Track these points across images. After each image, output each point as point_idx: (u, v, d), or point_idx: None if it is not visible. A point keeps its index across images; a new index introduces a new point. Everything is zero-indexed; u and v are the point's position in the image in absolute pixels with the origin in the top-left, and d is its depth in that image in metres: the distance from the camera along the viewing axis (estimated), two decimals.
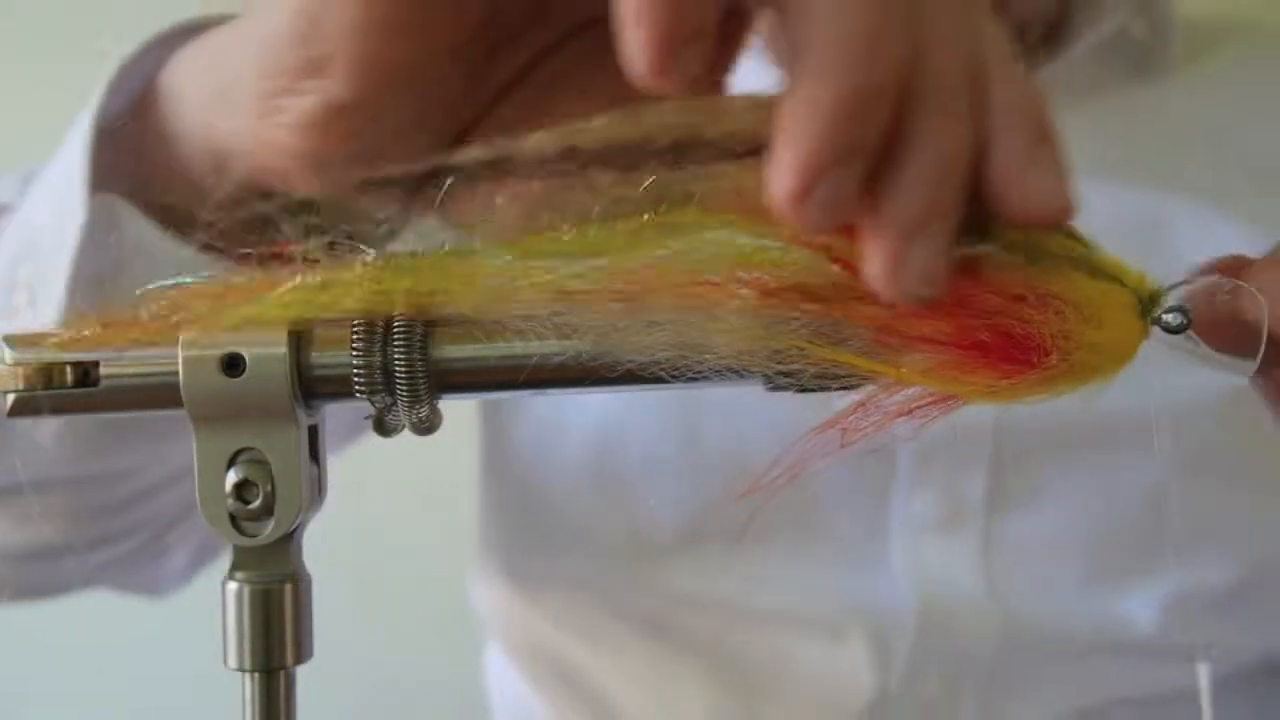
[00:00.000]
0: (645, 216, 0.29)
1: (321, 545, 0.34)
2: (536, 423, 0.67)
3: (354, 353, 0.30)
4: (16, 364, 0.31)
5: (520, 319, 0.30)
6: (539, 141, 0.30)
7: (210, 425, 0.31)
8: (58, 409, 0.31)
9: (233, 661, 0.32)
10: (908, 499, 0.62)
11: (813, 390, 0.30)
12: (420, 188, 0.32)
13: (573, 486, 0.66)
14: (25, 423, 0.49)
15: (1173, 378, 0.31)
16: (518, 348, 0.30)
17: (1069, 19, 0.65)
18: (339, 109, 0.33)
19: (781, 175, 0.27)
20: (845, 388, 0.30)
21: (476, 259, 0.30)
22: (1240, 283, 0.32)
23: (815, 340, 0.29)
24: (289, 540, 0.32)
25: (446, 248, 0.30)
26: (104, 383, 0.31)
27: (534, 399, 0.66)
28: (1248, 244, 0.34)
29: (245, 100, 0.36)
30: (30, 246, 0.47)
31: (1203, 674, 0.30)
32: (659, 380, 0.29)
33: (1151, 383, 0.30)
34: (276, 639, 0.32)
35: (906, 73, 0.27)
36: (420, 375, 0.30)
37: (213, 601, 0.32)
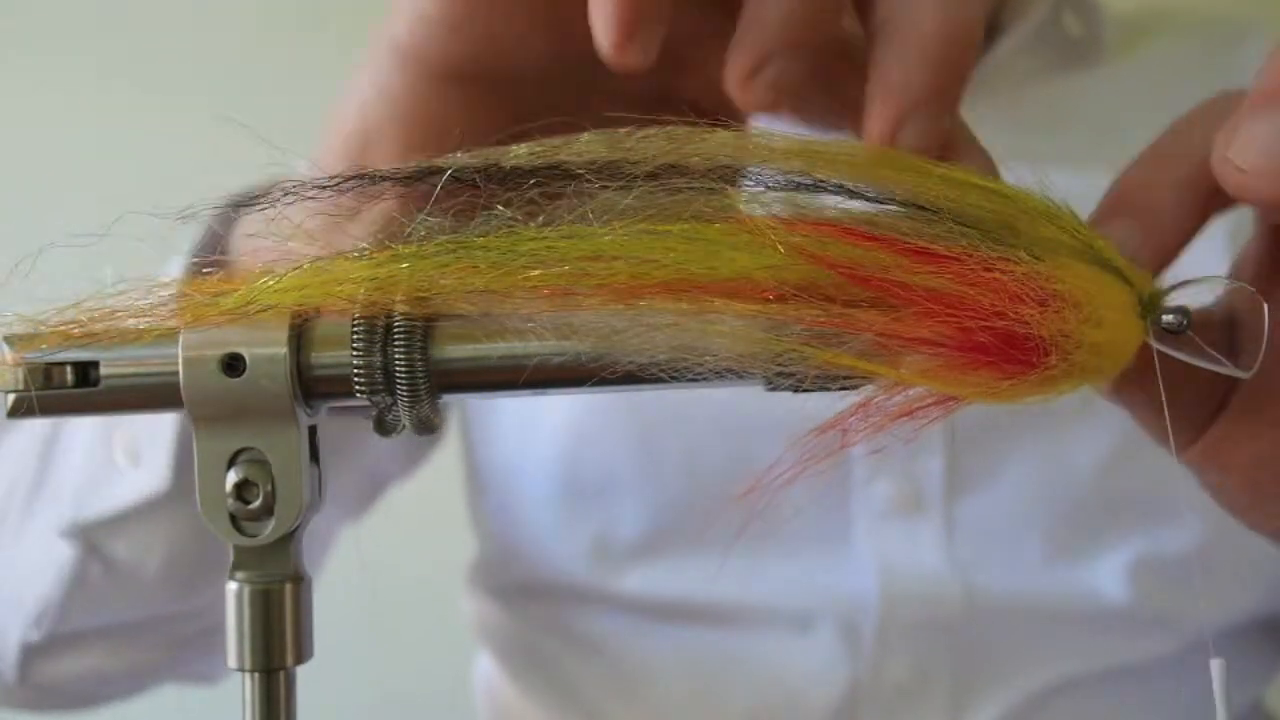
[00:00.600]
0: (643, 221, 0.29)
1: None
2: (506, 438, 0.69)
3: (354, 353, 0.30)
4: (16, 364, 0.31)
5: (520, 319, 0.30)
6: (526, 154, 0.30)
7: (210, 425, 0.31)
8: (58, 409, 0.31)
9: (233, 661, 0.32)
10: (867, 488, 0.63)
11: (812, 391, 0.30)
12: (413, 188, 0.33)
13: (542, 498, 0.67)
14: (131, 564, 0.55)
15: None
16: (518, 348, 0.30)
17: (999, 12, 0.66)
18: None
19: (734, 55, 0.33)
20: (845, 389, 0.30)
21: (476, 259, 0.30)
22: (1240, 283, 0.33)
23: (814, 343, 0.29)
24: (289, 540, 0.32)
25: (445, 245, 0.30)
26: (104, 383, 0.31)
27: (503, 415, 0.68)
28: None
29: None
30: None
31: (1216, 671, 0.30)
32: (659, 381, 0.29)
33: None
34: (276, 639, 0.32)
35: None
36: (420, 375, 0.30)
37: None
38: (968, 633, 0.63)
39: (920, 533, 0.63)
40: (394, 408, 0.31)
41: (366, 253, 0.30)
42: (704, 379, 0.29)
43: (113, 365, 0.31)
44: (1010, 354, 0.29)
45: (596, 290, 0.29)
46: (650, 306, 0.29)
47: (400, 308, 0.30)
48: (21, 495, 0.61)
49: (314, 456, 0.32)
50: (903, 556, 0.63)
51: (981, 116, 0.36)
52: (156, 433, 0.52)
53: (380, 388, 0.30)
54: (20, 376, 0.31)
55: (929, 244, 0.29)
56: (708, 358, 0.29)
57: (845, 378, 0.29)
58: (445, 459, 0.74)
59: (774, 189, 0.30)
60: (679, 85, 0.40)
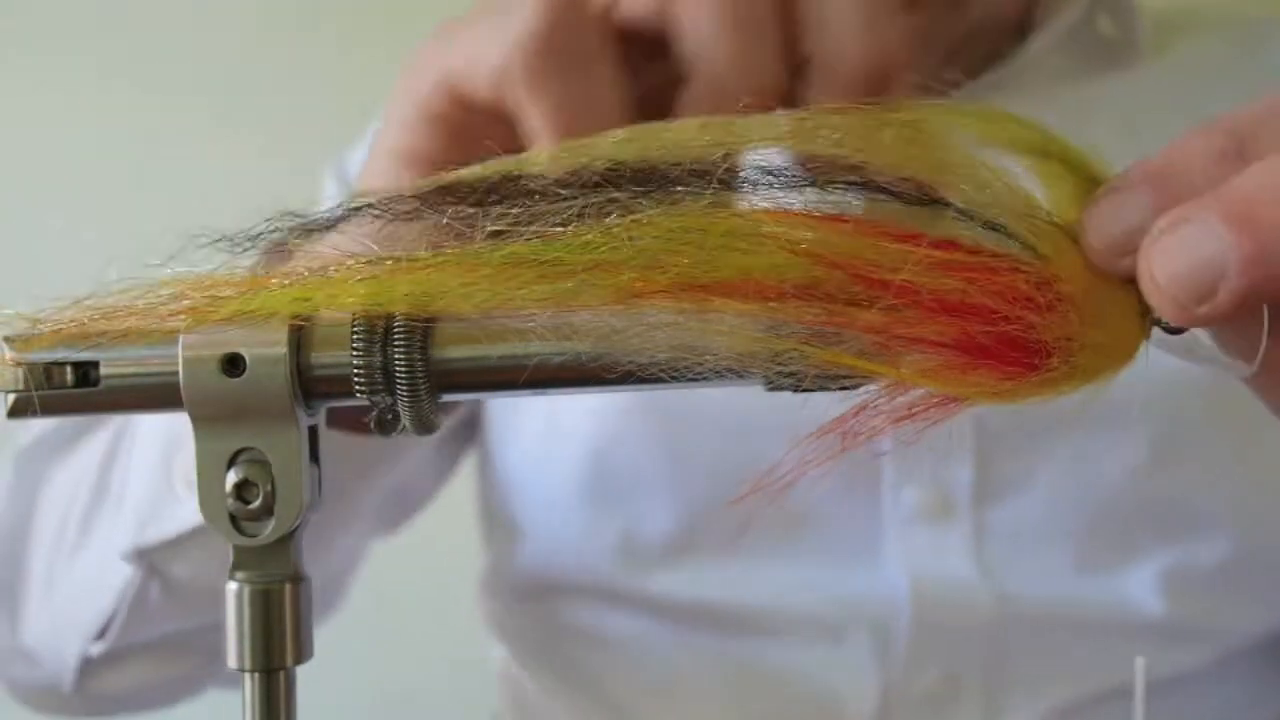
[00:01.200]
0: (645, 223, 0.29)
1: None
2: (530, 439, 0.68)
3: (354, 353, 0.30)
4: (16, 364, 0.31)
5: (520, 319, 0.30)
6: (546, 161, 0.30)
7: (210, 425, 0.31)
8: (58, 409, 0.31)
9: (233, 661, 0.32)
10: (896, 493, 0.63)
11: (812, 390, 0.30)
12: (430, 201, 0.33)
13: (568, 498, 0.66)
14: (188, 581, 0.57)
15: (1151, 356, 0.31)
16: (518, 348, 0.30)
17: (1032, 12, 0.66)
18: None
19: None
20: (845, 388, 0.30)
21: (476, 259, 0.30)
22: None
23: (814, 343, 0.28)
24: (289, 540, 0.32)
25: (447, 258, 0.30)
26: (104, 383, 0.31)
27: (525, 417, 0.68)
28: None
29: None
30: (179, 436, 0.54)
31: (1139, 670, 0.30)
32: (659, 381, 0.29)
33: (1133, 363, 0.31)
34: (276, 639, 0.32)
35: None
36: (420, 375, 0.30)
37: None
38: (999, 641, 0.62)
39: (950, 539, 0.62)
40: (394, 408, 0.31)
41: (367, 262, 0.30)
42: (704, 378, 0.29)
43: (113, 365, 0.31)
44: (1012, 356, 0.29)
45: (597, 288, 0.29)
46: (650, 306, 0.29)
47: (400, 308, 0.30)
48: (78, 515, 0.64)
49: (314, 456, 0.32)
50: (933, 563, 0.62)
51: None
52: None
53: (380, 388, 0.30)
54: (20, 376, 0.31)
55: (936, 242, 0.29)
56: (708, 357, 0.29)
57: (845, 377, 0.29)
58: None
59: (778, 184, 0.30)
60: None
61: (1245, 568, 0.62)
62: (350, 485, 0.61)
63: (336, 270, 0.31)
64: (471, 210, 0.31)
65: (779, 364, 0.29)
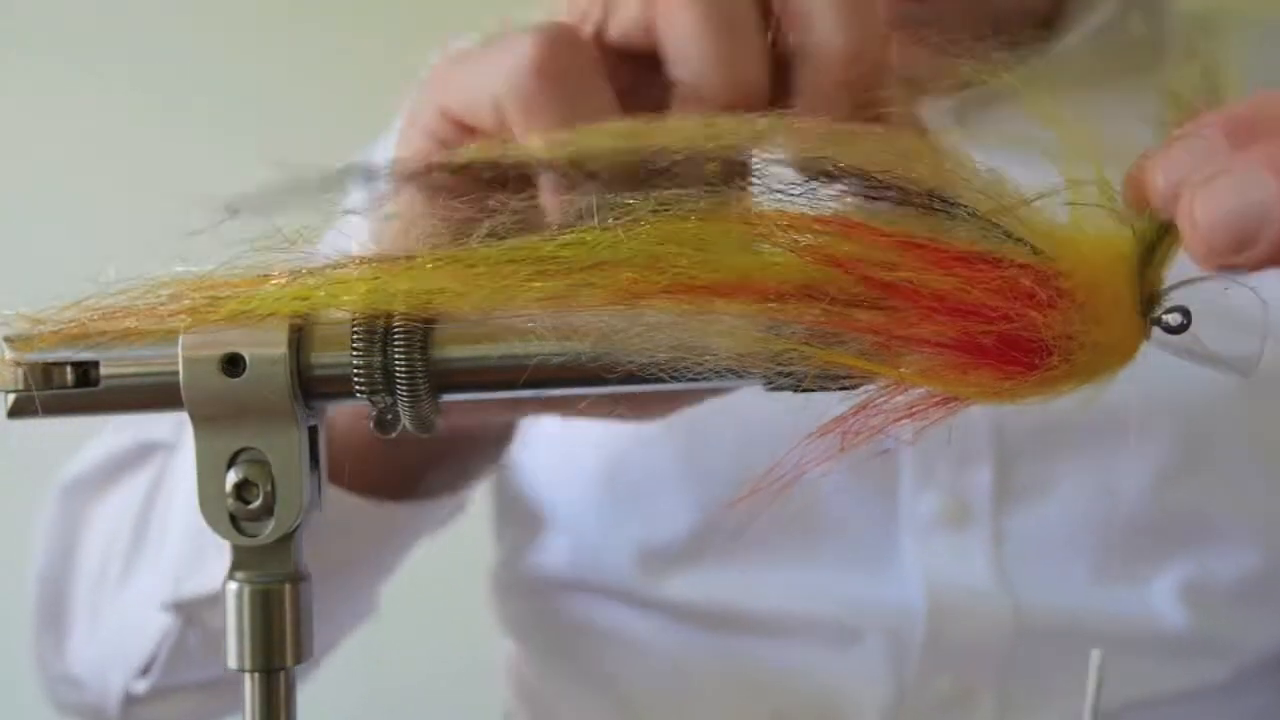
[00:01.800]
0: (644, 222, 0.29)
1: None
2: (548, 439, 0.68)
3: (354, 353, 0.30)
4: (17, 364, 0.31)
5: (521, 319, 0.30)
6: (543, 149, 0.30)
7: (210, 425, 0.31)
8: (58, 409, 0.31)
9: (233, 661, 0.32)
10: (914, 499, 0.62)
11: (812, 390, 0.30)
12: (423, 182, 0.33)
13: (586, 499, 0.66)
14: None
15: (1174, 366, 0.31)
16: (518, 348, 0.30)
17: (1062, 11, 0.65)
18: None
19: None
20: (845, 389, 0.30)
21: (477, 259, 0.30)
22: (1240, 282, 0.32)
23: (814, 342, 0.28)
24: (289, 540, 0.32)
25: (446, 257, 0.30)
26: (104, 383, 0.31)
27: (544, 421, 0.67)
28: None
29: None
30: None
31: (1093, 662, 0.30)
32: (659, 381, 0.29)
33: (1155, 372, 0.30)
34: (276, 639, 0.32)
35: None
36: (420, 375, 0.30)
37: None
38: (1015, 650, 0.61)
39: (968, 546, 0.62)
40: (394, 408, 0.31)
41: (367, 262, 0.30)
42: (704, 379, 0.29)
43: (113, 365, 0.31)
44: (1012, 355, 0.29)
45: (596, 288, 0.29)
46: (650, 306, 0.29)
47: (400, 308, 0.30)
48: (120, 553, 0.65)
49: (314, 456, 0.32)
50: (950, 570, 0.62)
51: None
52: None
53: (380, 388, 0.30)
54: (20, 376, 0.31)
55: (936, 241, 0.29)
56: (708, 357, 0.29)
57: (845, 377, 0.29)
58: None
59: (778, 185, 0.30)
60: None
61: (1268, 580, 0.62)
62: (392, 559, 0.64)
63: (336, 270, 0.31)
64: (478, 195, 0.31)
65: (779, 364, 0.29)
